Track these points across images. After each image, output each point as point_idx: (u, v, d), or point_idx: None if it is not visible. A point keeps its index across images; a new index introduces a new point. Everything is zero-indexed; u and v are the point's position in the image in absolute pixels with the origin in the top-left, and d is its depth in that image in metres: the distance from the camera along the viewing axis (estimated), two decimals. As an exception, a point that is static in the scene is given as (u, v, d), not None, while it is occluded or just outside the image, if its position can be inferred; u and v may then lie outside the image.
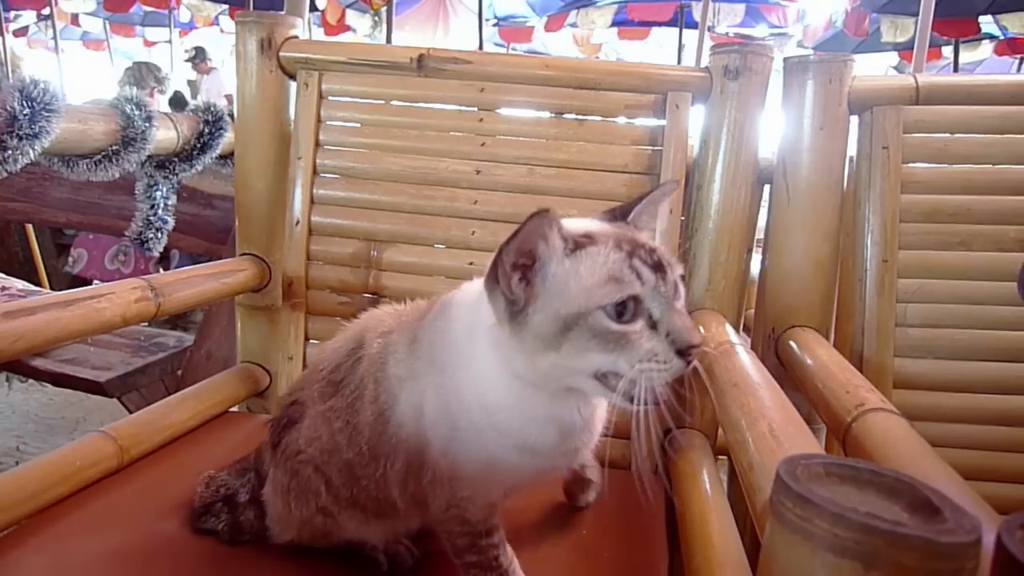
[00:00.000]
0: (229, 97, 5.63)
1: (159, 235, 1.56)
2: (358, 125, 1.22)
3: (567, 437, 0.65)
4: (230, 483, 0.84)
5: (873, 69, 5.83)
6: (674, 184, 0.72)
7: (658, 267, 0.59)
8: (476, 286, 0.68)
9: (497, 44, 7.70)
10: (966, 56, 5.95)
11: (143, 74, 4.34)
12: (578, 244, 0.59)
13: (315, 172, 1.21)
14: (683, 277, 0.61)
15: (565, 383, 0.61)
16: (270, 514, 0.79)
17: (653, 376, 0.56)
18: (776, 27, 6.82)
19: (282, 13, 2.39)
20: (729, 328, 0.98)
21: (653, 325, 0.57)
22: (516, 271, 0.58)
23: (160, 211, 1.54)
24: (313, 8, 5.73)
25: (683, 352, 0.57)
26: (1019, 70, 6.54)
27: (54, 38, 6.79)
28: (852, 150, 1.10)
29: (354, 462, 0.71)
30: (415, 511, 0.71)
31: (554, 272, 0.58)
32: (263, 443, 0.83)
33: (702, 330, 1.00)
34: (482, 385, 0.64)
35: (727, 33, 6.68)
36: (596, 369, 0.58)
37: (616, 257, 0.58)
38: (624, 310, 0.56)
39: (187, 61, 6.39)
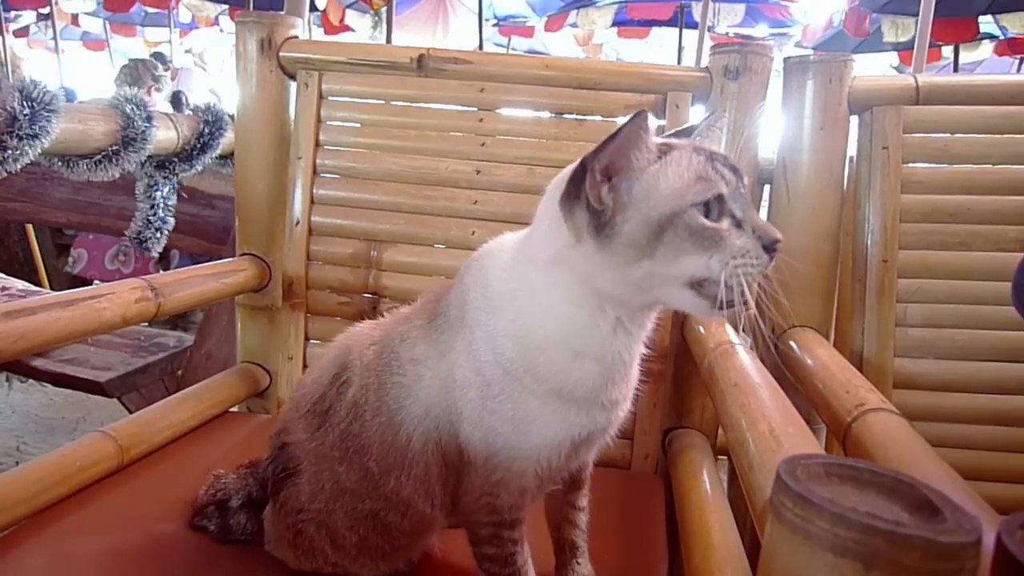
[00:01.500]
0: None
1: (159, 235, 1.56)
2: (358, 125, 1.22)
3: (608, 383, 0.63)
4: (228, 487, 0.84)
5: (873, 69, 5.84)
6: (721, 112, 0.71)
7: (736, 171, 0.60)
8: (508, 237, 0.69)
9: (497, 44, 7.70)
10: (966, 56, 5.95)
11: (140, 72, 4.30)
12: (663, 150, 0.59)
13: (315, 172, 1.21)
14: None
15: (656, 295, 0.60)
16: (278, 552, 0.78)
17: (747, 272, 0.57)
18: (777, 25, 6.82)
19: (282, 13, 2.39)
20: (729, 328, 0.98)
21: (738, 225, 0.58)
22: (604, 180, 0.58)
23: (160, 211, 1.54)
24: (313, 8, 5.73)
25: (768, 248, 0.58)
26: (1019, 70, 6.54)
27: (54, 38, 6.78)
28: (852, 150, 1.10)
29: (361, 490, 0.70)
30: (445, 516, 0.70)
31: (643, 177, 0.58)
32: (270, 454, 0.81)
33: (701, 330, 1.00)
34: (525, 325, 0.62)
35: (727, 33, 6.68)
36: (691, 275, 0.57)
37: (699, 159, 0.59)
38: (710, 210, 0.57)
39: None
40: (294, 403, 0.77)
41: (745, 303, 0.57)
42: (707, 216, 0.57)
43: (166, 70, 5.83)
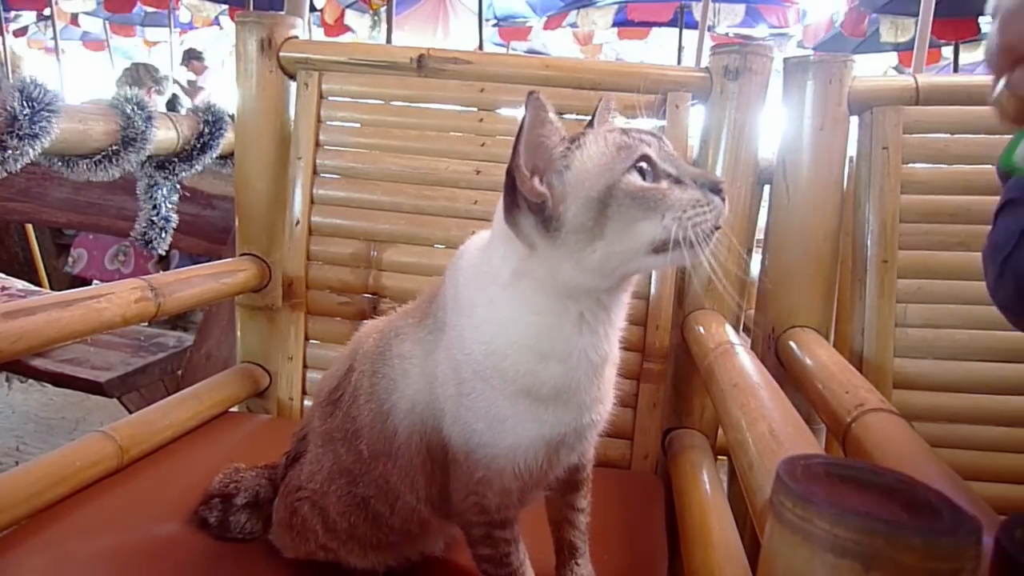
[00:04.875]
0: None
1: (163, 234, 1.56)
2: (358, 125, 1.22)
3: (575, 383, 0.63)
4: (240, 483, 0.85)
5: (873, 69, 5.83)
6: (610, 96, 0.70)
7: (653, 134, 0.60)
8: (480, 235, 0.69)
9: (497, 44, 7.70)
10: (966, 56, 5.94)
11: (141, 75, 4.35)
12: (576, 138, 0.60)
13: (315, 172, 1.21)
14: None
15: (622, 271, 0.60)
16: (276, 538, 0.79)
17: (703, 221, 0.56)
18: (776, 27, 6.82)
19: (282, 13, 2.39)
20: (729, 328, 0.98)
21: (677, 181, 0.58)
22: (534, 175, 0.59)
23: (163, 211, 1.54)
24: (313, 8, 5.73)
25: (715, 190, 0.58)
26: (1019, 70, 6.52)
27: (54, 38, 6.79)
28: (852, 150, 1.10)
29: (355, 471, 0.71)
30: (433, 513, 0.71)
31: (571, 164, 0.59)
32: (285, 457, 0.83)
33: (701, 330, 1.00)
34: (490, 330, 0.62)
35: (727, 33, 6.68)
36: (650, 241, 0.57)
37: (613, 134, 0.59)
38: (644, 176, 0.57)
39: (182, 64, 6.35)
40: (315, 394, 0.80)
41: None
42: (644, 180, 0.57)
43: (190, 68, 5.81)
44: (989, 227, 0.66)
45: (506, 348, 0.62)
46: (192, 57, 5.88)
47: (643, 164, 0.57)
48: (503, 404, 0.62)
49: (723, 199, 0.58)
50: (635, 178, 0.57)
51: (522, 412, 0.62)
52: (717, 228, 0.58)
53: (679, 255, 0.56)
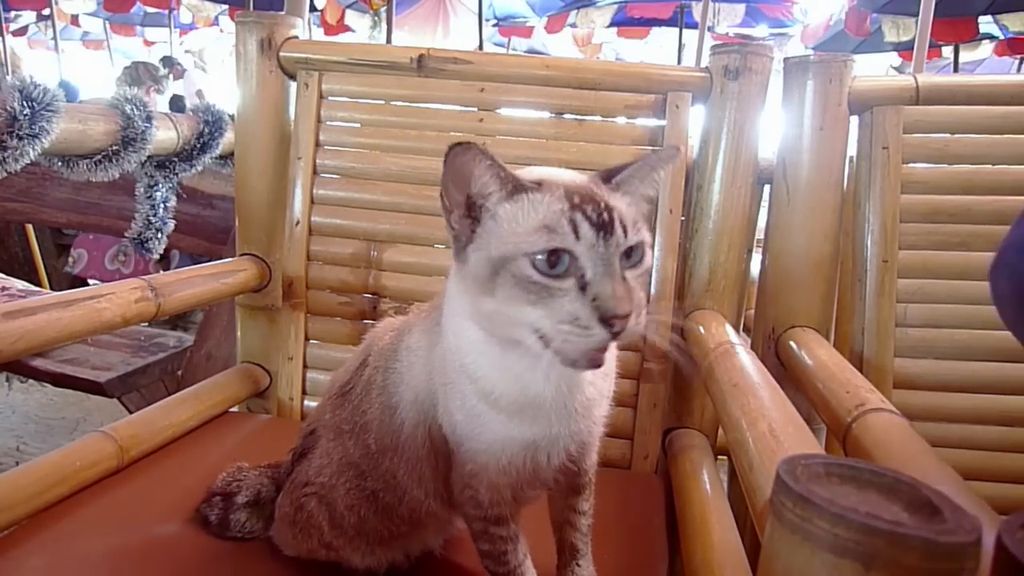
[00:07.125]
0: (199, 93, 5.67)
1: (159, 236, 1.56)
2: (358, 125, 1.22)
3: (540, 401, 0.61)
4: (243, 482, 0.85)
5: (873, 69, 5.84)
6: (674, 150, 0.64)
7: (604, 226, 0.54)
8: None
9: (497, 44, 7.70)
10: (966, 56, 5.95)
11: (140, 74, 4.34)
12: (519, 188, 0.56)
13: (315, 172, 1.21)
14: (634, 248, 0.55)
15: (509, 333, 0.57)
16: (278, 536, 0.80)
17: (572, 341, 0.52)
18: (777, 25, 6.82)
19: (282, 13, 2.39)
20: (729, 328, 0.98)
21: (584, 287, 0.53)
22: (459, 207, 0.58)
23: (160, 212, 1.54)
24: (313, 8, 5.73)
25: (607, 321, 0.52)
26: (1019, 70, 6.54)
27: (54, 38, 6.79)
28: (852, 150, 1.10)
29: (363, 466, 0.72)
30: (441, 506, 0.71)
31: (493, 213, 0.57)
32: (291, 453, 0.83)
33: (701, 330, 1.00)
34: (456, 326, 0.63)
35: (727, 33, 6.68)
36: (530, 324, 0.54)
37: (557, 207, 0.55)
38: (557, 263, 0.53)
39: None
40: (327, 389, 0.81)
41: (595, 365, 0.53)
42: (553, 268, 0.53)
43: (171, 73, 5.84)
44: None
45: (468, 345, 0.62)
46: (169, 64, 5.89)
47: (553, 258, 0.53)
48: (474, 400, 0.63)
49: (612, 334, 0.52)
50: (528, 266, 0.53)
51: (487, 413, 0.62)
52: (600, 351, 0.53)
53: (559, 356, 0.53)
